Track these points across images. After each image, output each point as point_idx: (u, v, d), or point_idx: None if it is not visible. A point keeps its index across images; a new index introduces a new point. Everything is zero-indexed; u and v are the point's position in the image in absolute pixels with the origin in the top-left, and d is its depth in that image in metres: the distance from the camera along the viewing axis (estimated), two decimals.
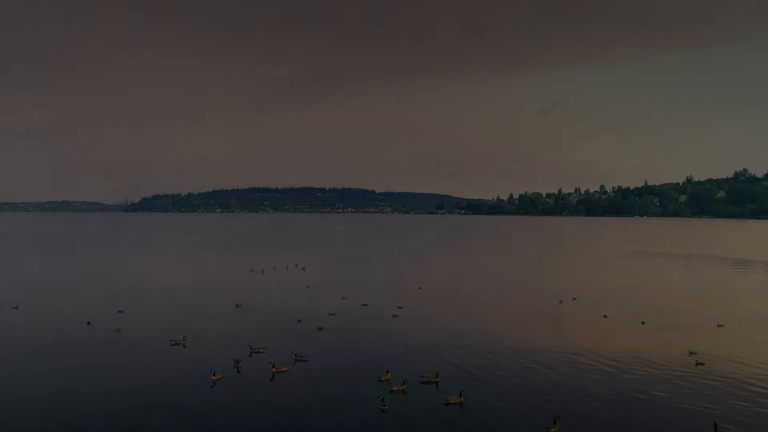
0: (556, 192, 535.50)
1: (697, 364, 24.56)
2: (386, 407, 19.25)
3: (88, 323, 33.03)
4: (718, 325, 33.03)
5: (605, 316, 35.85)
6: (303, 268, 63.75)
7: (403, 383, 21.48)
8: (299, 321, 33.76)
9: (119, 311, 36.70)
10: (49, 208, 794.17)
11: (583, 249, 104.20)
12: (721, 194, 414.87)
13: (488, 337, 29.85)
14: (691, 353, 26.17)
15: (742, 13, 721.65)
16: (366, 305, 39.37)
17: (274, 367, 23.21)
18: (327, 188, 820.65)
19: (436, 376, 22.34)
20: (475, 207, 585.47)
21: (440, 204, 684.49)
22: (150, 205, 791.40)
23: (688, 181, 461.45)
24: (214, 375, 22.03)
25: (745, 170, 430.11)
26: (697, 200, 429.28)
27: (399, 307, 38.45)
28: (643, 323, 33.46)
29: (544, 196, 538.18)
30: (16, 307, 38.03)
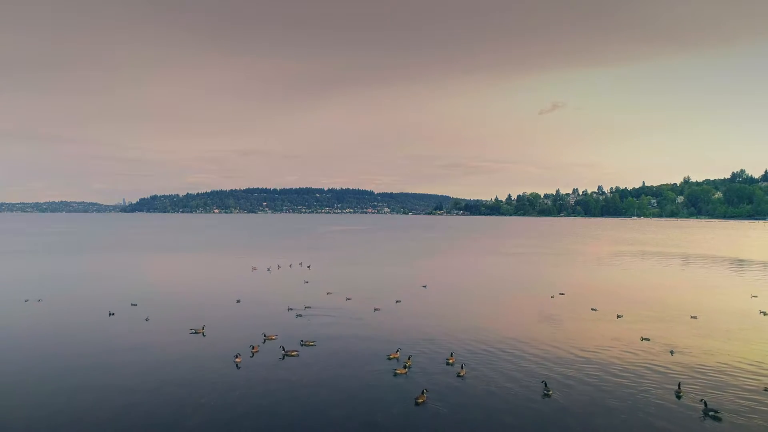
0: (554, 193, 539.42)
1: (672, 352, 26.99)
2: (408, 367, 23.40)
3: (112, 314, 35.73)
4: (692, 317, 35.85)
5: (594, 309, 38.67)
6: (308, 267, 66.28)
7: (408, 358, 24.55)
8: (300, 316, 36.30)
9: (132, 304, 39.29)
10: (47, 208, 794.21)
11: (580, 249, 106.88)
12: (718, 195, 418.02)
13: (485, 330, 32.65)
14: (642, 339, 29.62)
15: (741, 15, 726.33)
16: (372, 299, 42.30)
17: (284, 350, 25.97)
18: (325, 189, 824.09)
19: (451, 355, 25.50)
20: (474, 208, 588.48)
21: (438, 205, 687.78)
22: (148, 205, 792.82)
23: (686, 181, 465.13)
24: (236, 357, 24.78)
25: (742, 171, 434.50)
26: (695, 201, 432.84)
27: (397, 301, 41.50)
28: (618, 316, 36.04)
29: (542, 196, 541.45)
30: (40, 301, 40.81)
